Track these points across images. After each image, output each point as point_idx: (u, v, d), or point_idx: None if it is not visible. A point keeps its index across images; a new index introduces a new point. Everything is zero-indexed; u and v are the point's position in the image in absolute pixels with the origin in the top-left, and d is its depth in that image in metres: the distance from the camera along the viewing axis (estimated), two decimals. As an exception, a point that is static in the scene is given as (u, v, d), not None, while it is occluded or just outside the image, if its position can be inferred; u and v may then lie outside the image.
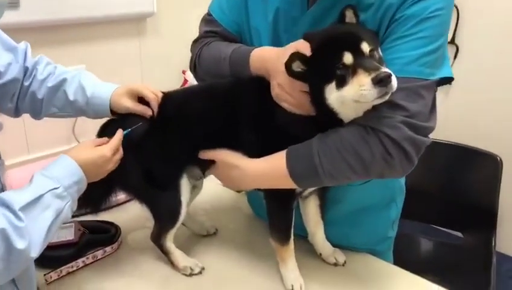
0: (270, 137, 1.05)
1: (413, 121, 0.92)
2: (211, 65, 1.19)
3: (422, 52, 0.93)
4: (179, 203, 1.16)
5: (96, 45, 1.97)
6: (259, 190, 1.16)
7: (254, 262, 1.25)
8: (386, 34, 0.97)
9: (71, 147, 1.04)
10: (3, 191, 0.93)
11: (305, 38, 0.99)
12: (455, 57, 2.62)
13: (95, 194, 1.15)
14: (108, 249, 1.27)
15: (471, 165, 1.99)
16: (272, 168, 1.04)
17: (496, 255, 1.85)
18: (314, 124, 1.00)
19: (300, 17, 1.07)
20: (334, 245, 1.27)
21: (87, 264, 1.23)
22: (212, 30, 1.23)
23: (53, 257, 1.18)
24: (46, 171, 0.91)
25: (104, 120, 1.21)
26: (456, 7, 2.48)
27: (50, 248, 1.06)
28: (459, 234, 2.12)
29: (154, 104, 1.15)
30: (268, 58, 1.04)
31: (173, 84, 2.17)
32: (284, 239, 1.14)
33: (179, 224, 1.19)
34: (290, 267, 1.15)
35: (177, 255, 1.22)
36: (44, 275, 1.16)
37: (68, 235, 1.25)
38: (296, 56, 0.94)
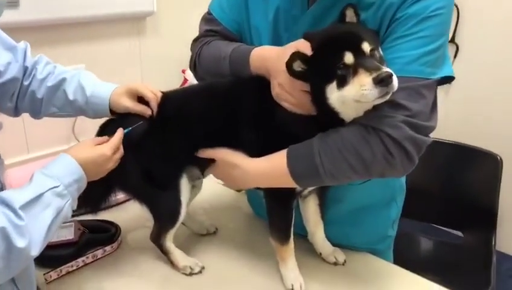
0: (270, 136, 1.05)
1: (414, 121, 0.92)
2: (211, 64, 1.19)
3: (423, 52, 0.92)
4: (178, 203, 1.16)
5: (96, 44, 1.96)
6: (259, 189, 1.16)
7: (254, 261, 1.25)
8: (386, 34, 0.97)
9: (71, 146, 1.04)
10: (3, 190, 0.93)
11: (306, 38, 0.98)
12: (455, 56, 2.62)
13: (94, 195, 1.15)
14: (108, 248, 1.27)
15: (471, 164, 2.00)
16: (272, 168, 1.04)
17: (496, 254, 1.85)
18: (314, 123, 0.99)
19: (301, 16, 1.07)
20: (334, 244, 1.27)
21: (87, 264, 1.23)
22: (212, 29, 1.22)
23: (53, 256, 1.18)
24: (46, 170, 0.91)
25: (104, 120, 1.21)
26: (457, 6, 2.48)
27: (50, 247, 1.06)
28: (459, 233, 2.12)
29: (154, 104, 1.15)
30: (269, 58, 1.04)
31: (173, 83, 2.17)
32: (283, 238, 1.14)
33: (178, 224, 1.19)
34: (290, 267, 1.15)
35: (177, 254, 1.22)
36: (44, 274, 1.16)
37: (68, 234, 1.25)
38: (296, 56, 0.94)
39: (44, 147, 1.84)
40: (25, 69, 1.15)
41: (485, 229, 1.93)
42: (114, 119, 1.18)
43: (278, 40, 1.11)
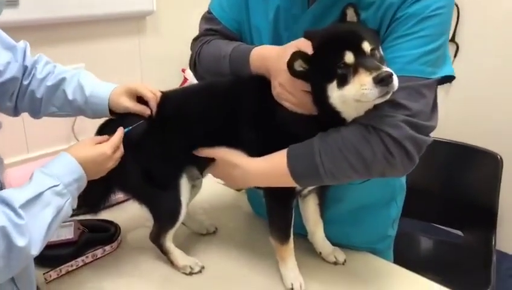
0: (270, 136, 1.05)
1: (414, 120, 0.92)
2: (211, 63, 1.19)
3: (424, 51, 0.92)
4: (178, 203, 1.15)
5: (96, 44, 1.96)
6: (259, 188, 1.16)
7: (254, 261, 1.25)
8: (387, 33, 0.96)
9: (71, 145, 1.03)
10: (3, 189, 0.93)
11: (306, 37, 0.98)
12: (455, 55, 2.62)
13: (94, 195, 1.15)
14: (107, 248, 1.27)
15: (472, 164, 2.00)
16: (272, 167, 1.03)
17: (496, 253, 1.85)
18: (315, 123, 0.99)
19: (301, 15, 1.06)
20: (334, 244, 1.27)
21: (87, 263, 1.23)
22: (212, 28, 1.22)
23: (52, 256, 1.18)
24: (45, 169, 0.91)
25: (103, 120, 1.20)
26: (457, 5, 2.47)
27: (49, 246, 1.06)
28: (459, 233, 2.12)
29: (153, 104, 1.15)
30: (269, 57, 1.04)
31: (173, 82, 2.17)
32: (283, 238, 1.14)
33: (178, 224, 1.19)
34: (290, 266, 1.15)
35: (177, 254, 1.22)
36: (44, 274, 1.16)
37: (68, 234, 1.25)
38: (298, 55, 0.94)
39: (44, 147, 1.84)
40: (25, 68, 1.14)
41: (485, 228, 1.93)
42: (113, 119, 1.18)
43: (278, 40, 1.11)
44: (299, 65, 0.94)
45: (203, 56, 1.21)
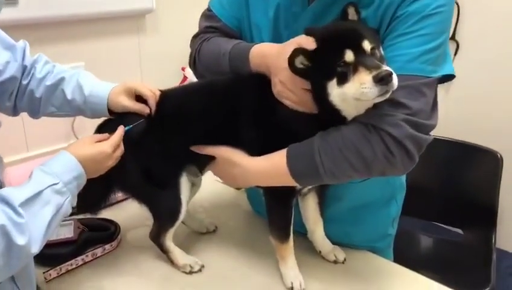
0: (271, 134, 1.05)
1: (414, 119, 0.91)
2: (211, 61, 1.18)
3: (424, 50, 0.92)
4: (178, 201, 1.15)
5: (95, 42, 1.96)
6: (258, 187, 1.16)
7: (254, 260, 1.25)
8: (387, 32, 0.96)
9: (70, 143, 1.03)
10: (2, 188, 0.93)
11: (307, 34, 0.98)
12: (456, 53, 2.61)
13: (93, 194, 1.15)
14: (107, 247, 1.27)
15: (472, 162, 2.00)
16: (272, 166, 1.03)
17: (496, 251, 1.85)
18: (316, 121, 0.99)
19: (301, 13, 1.06)
20: (334, 242, 1.27)
21: (87, 262, 1.23)
22: (212, 25, 1.22)
23: (52, 254, 1.18)
24: (45, 167, 0.91)
25: (103, 119, 1.20)
26: (457, 4, 2.47)
27: (49, 245, 1.07)
28: (459, 231, 2.12)
29: (152, 102, 1.14)
30: (269, 55, 1.04)
31: (172, 81, 2.16)
32: (283, 237, 1.14)
33: (178, 223, 1.18)
34: (290, 265, 1.15)
35: (177, 253, 1.22)
36: (44, 272, 1.16)
37: (67, 233, 1.25)
38: (299, 51, 0.93)
39: (44, 145, 1.83)
40: (24, 68, 1.14)
41: (485, 226, 1.93)
42: (112, 119, 1.18)
43: (278, 37, 1.11)
44: (300, 62, 0.94)
45: (202, 54, 1.20)
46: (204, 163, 1.17)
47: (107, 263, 1.24)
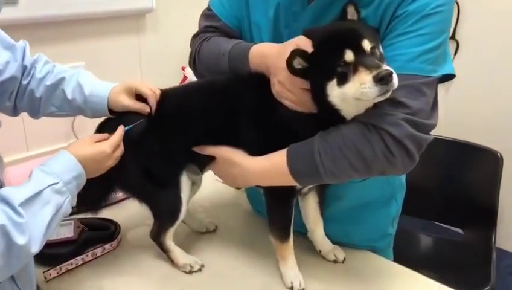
0: (270, 134, 1.05)
1: (414, 119, 0.91)
2: (211, 60, 1.18)
3: (424, 49, 0.92)
4: (179, 200, 1.15)
5: (95, 42, 1.96)
6: (259, 187, 1.16)
7: (253, 259, 1.25)
8: (387, 31, 0.96)
9: (70, 143, 1.03)
10: (2, 188, 0.93)
11: (306, 35, 0.98)
12: (456, 52, 2.61)
13: (94, 194, 1.15)
14: (107, 246, 1.27)
15: (472, 162, 2.00)
16: (272, 166, 1.03)
17: (496, 251, 1.85)
18: (315, 121, 0.99)
19: (301, 13, 1.06)
20: (334, 242, 1.27)
21: (87, 262, 1.23)
22: (212, 25, 1.22)
23: (52, 254, 1.18)
24: (45, 167, 0.91)
25: (103, 118, 1.20)
26: (457, 3, 2.47)
27: (49, 245, 1.07)
28: (459, 230, 2.12)
29: (152, 102, 1.14)
30: (269, 55, 1.04)
31: (172, 80, 2.15)
32: (283, 236, 1.14)
33: (179, 222, 1.18)
34: (290, 265, 1.15)
35: (177, 252, 1.22)
36: (44, 272, 1.16)
37: (67, 232, 1.25)
38: (296, 53, 0.93)
39: (44, 145, 1.83)
40: (24, 68, 1.14)
41: (485, 226, 1.93)
42: (112, 118, 1.18)
43: (278, 37, 1.11)
44: (298, 63, 0.94)
45: (202, 53, 1.20)
46: (204, 162, 1.17)
47: (107, 262, 1.24)
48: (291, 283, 1.13)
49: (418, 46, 0.92)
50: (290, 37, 1.02)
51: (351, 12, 0.97)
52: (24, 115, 1.20)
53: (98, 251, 1.25)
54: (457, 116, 2.59)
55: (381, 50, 0.94)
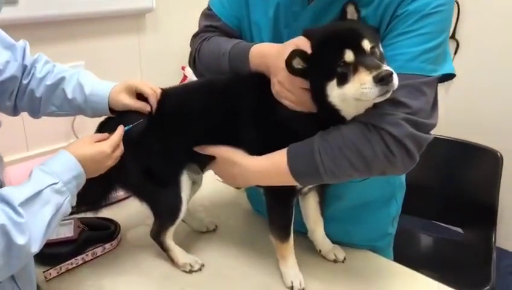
0: (270, 134, 1.05)
1: (414, 118, 0.91)
2: (211, 60, 1.18)
3: (424, 49, 0.92)
4: (179, 200, 1.15)
5: (95, 41, 1.96)
6: (259, 186, 1.16)
7: (254, 259, 1.25)
8: (387, 31, 0.96)
9: (70, 143, 1.03)
10: (2, 187, 0.93)
11: (305, 35, 0.98)
12: (456, 52, 2.61)
13: (94, 193, 1.15)
14: (107, 246, 1.27)
15: (472, 161, 1.99)
16: (272, 166, 1.03)
17: (496, 250, 1.85)
18: (315, 121, 0.99)
19: (301, 12, 1.06)
20: (334, 242, 1.27)
21: (87, 261, 1.23)
22: (212, 25, 1.22)
23: (52, 254, 1.18)
24: (45, 167, 0.91)
25: (103, 117, 1.20)
26: (457, 2, 2.47)
27: (49, 245, 1.07)
28: (459, 230, 2.12)
29: (153, 101, 1.14)
30: (268, 55, 1.04)
31: (172, 80, 2.16)
32: (283, 236, 1.14)
33: (179, 221, 1.19)
34: (290, 264, 1.15)
35: (177, 252, 1.22)
36: (44, 272, 1.16)
37: (67, 232, 1.25)
38: (296, 53, 0.93)
39: (44, 144, 1.84)
40: (24, 67, 1.14)
41: (485, 225, 1.93)
42: (113, 117, 1.18)
43: (278, 37, 1.11)
44: (297, 63, 0.94)
45: (202, 53, 1.20)
46: (204, 162, 1.17)
47: (107, 262, 1.24)
48: (292, 282, 1.13)
49: (418, 46, 0.92)
50: (290, 37, 1.02)
51: (351, 12, 0.97)
52: (24, 114, 1.20)
53: (98, 250, 1.25)
54: (457, 116, 2.59)
55: (381, 50, 0.94)
